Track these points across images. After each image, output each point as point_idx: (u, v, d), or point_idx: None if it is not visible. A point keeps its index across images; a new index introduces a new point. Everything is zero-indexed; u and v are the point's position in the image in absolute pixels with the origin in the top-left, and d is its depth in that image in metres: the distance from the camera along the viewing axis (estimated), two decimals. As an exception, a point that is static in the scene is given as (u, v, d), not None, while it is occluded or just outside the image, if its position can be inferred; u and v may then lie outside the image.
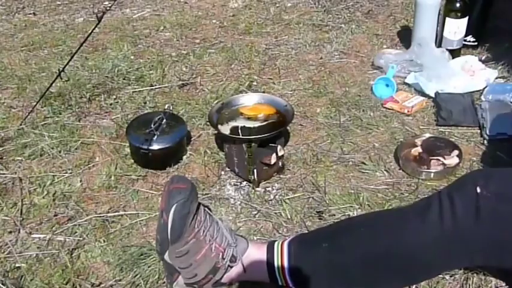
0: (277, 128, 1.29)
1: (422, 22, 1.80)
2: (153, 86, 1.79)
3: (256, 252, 0.98)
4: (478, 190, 0.78)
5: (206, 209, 1.00)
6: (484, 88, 1.62)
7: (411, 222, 0.84)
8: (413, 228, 0.83)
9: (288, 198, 1.26)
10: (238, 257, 0.96)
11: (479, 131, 1.46)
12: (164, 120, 1.40)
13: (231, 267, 0.96)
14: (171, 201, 0.93)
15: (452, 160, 1.30)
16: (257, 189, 1.30)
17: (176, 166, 1.39)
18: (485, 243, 0.81)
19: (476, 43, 1.88)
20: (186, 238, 0.94)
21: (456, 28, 1.76)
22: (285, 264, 0.93)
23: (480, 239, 0.80)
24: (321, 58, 1.92)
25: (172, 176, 1.01)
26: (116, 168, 1.39)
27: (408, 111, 1.55)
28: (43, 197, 1.29)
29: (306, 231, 1.15)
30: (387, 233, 0.86)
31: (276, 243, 0.97)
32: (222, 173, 1.37)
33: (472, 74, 1.67)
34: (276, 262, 0.94)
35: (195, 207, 0.95)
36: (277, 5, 2.44)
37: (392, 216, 0.88)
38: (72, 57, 1.56)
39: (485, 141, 1.40)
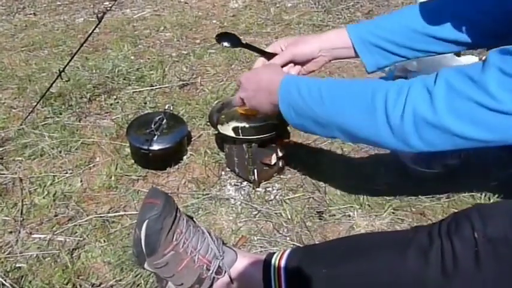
0: (278, 128, 1.29)
1: (422, 22, 1.80)
2: (153, 86, 1.79)
3: (245, 265, 0.97)
4: (476, 235, 0.79)
5: (190, 220, 1.00)
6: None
7: (412, 261, 0.85)
8: (414, 267, 0.84)
9: (289, 199, 1.26)
10: (225, 269, 0.96)
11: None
12: (164, 121, 1.40)
13: (218, 278, 0.96)
14: (143, 216, 0.94)
15: (452, 160, 1.30)
16: (257, 189, 1.30)
17: (176, 166, 1.39)
18: (487, 284, 0.82)
19: (476, 43, 1.88)
20: (163, 251, 0.94)
21: (456, 28, 1.76)
22: (282, 285, 0.93)
23: (481, 281, 0.81)
24: (321, 58, 1.92)
25: (150, 188, 1.01)
26: (116, 168, 1.39)
27: (408, 112, 1.54)
28: (43, 197, 1.29)
29: (305, 235, 1.15)
30: (388, 269, 0.87)
31: (272, 261, 0.95)
32: (223, 173, 1.37)
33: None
34: (273, 283, 0.93)
35: (169, 222, 0.94)
36: (278, 5, 2.44)
37: (392, 252, 0.89)
38: (72, 57, 1.56)
39: (486, 142, 1.40)
